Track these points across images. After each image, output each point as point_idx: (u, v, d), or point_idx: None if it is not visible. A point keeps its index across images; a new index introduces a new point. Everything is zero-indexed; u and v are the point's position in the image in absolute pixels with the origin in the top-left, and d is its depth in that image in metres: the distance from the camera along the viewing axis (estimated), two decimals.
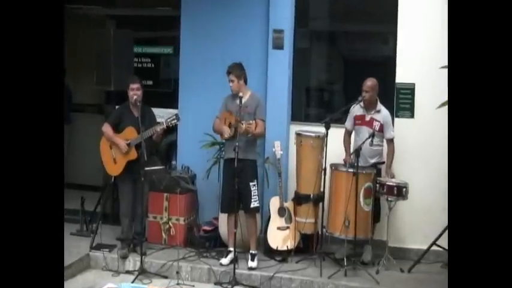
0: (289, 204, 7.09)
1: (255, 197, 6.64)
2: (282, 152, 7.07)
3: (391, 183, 6.56)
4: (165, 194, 7.24)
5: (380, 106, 6.84)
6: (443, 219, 6.20)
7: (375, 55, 7.93)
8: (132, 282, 6.29)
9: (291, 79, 7.51)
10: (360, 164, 6.45)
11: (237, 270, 6.35)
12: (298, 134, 7.09)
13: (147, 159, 6.47)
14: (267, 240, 7.00)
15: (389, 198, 6.57)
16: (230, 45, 7.52)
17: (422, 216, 7.03)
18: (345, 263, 6.44)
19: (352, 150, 6.80)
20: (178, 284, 6.31)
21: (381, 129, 6.77)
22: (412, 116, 7.19)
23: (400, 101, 7.21)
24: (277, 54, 7.39)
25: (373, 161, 6.82)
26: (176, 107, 7.73)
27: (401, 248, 7.07)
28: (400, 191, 6.51)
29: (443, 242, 6.45)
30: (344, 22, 8.02)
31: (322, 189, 6.80)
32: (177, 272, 6.40)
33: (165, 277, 6.53)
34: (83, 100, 10.47)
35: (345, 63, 8.18)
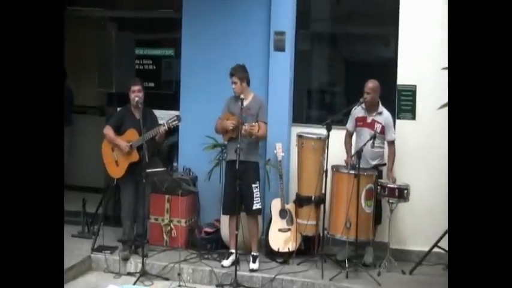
0: (290, 206, 7.09)
1: (257, 199, 6.64)
2: (283, 154, 7.08)
3: (392, 185, 6.56)
4: (167, 196, 7.24)
5: (381, 108, 6.84)
6: (444, 221, 6.11)
7: (376, 57, 7.94)
8: (134, 284, 6.29)
9: (292, 81, 7.51)
10: (361, 166, 6.45)
11: (238, 272, 6.35)
12: (299, 136, 7.09)
13: (148, 161, 6.47)
14: (268, 242, 7.00)
15: (390, 200, 6.57)
16: (231, 47, 7.53)
17: (423, 218, 7.02)
18: (347, 265, 6.44)
19: (353, 152, 6.81)
20: (179, 286, 6.30)
21: (382, 131, 6.77)
22: (413, 117, 7.19)
23: (402, 102, 7.21)
24: (279, 56, 7.39)
25: (374, 162, 6.82)
26: (177, 109, 7.74)
27: (402, 249, 7.07)
28: (401, 193, 6.51)
29: (445, 244, 6.44)
30: (345, 24, 8.03)
31: (323, 191, 6.79)
32: (179, 274, 6.40)
33: (167, 279, 6.53)
34: (84, 102, 10.48)
35: (347, 65, 8.18)
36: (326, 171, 6.67)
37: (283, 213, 7.05)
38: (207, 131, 7.15)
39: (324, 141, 6.78)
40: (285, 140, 7.27)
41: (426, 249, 6.76)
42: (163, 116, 7.18)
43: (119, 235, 7.07)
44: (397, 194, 6.51)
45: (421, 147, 7.06)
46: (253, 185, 6.61)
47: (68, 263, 6.46)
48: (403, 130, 7.06)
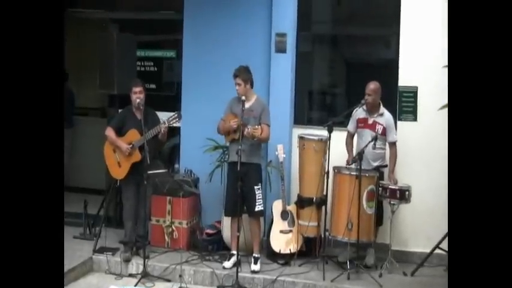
0: (292, 208, 7.09)
1: (259, 200, 6.64)
2: (284, 156, 7.08)
3: (393, 187, 6.56)
4: (168, 198, 7.24)
5: (383, 109, 6.84)
6: (446, 223, 6.11)
7: (378, 58, 7.94)
8: (135, 285, 6.30)
9: (294, 82, 7.51)
10: (362, 167, 6.44)
11: (239, 274, 6.35)
12: (301, 138, 7.09)
13: (150, 163, 6.48)
14: (269, 244, 7.00)
15: (392, 202, 6.57)
16: (233, 48, 7.53)
17: (425, 219, 7.02)
18: (348, 267, 6.43)
19: (354, 153, 6.80)
20: (181, 287, 6.30)
21: (384, 132, 6.77)
22: (415, 119, 7.19)
23: (403, 104, 7.21)
24: (280, 58, 7.39)
25: (375, 164, 6.82)
26: (179, 111, 7.72)
27: (404, 251, 7.07)
28: (403, 195, 6.51)
29: (447, 245, 6.42)
30: (346, 25, 8.03)
31: (325, 193, 6.80)
32: (180, 276, 6.39)
33: (168, 280, 6.53)
34: (86, 104, 10.50)
35: (348, 66, 8.19)
36: (327, 173, 6.68)
37: (284, 214, 7.05)
38: (208, 133, 7.16)
39: (325, 143, 6.78)
40: (286, 141, 7.28)
41: (428, 250, 6.75)
42: (165, 118, 7.18)
43: (121, 236, 7.08)
44: (398, 195, 6.51)
45: (422, 149, 7.05)
46: (256, 187, 6.61)
47: (69, 264, 6.47)
48: (405, 131, 7.06)
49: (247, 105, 6.59)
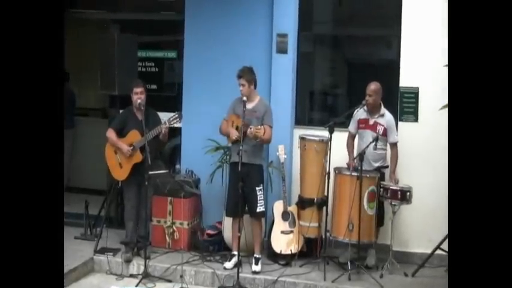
0: (293, 208, 7.09)
1: (261, 201, 6.63)
2: (285, 156, 7.08)
3: (395, 188, 6.56)
4: (169, 198, 7.24)
5: (384, 110, 6.84)
6: (447, 224, 6.18)
7: (379, 59, 7.93)
8: (136, 286, 6.31)
9: (295, 83, 7.51)
10: (363, 168, 6.44)
11: (240, 274, 6.35)
12: (302, 138, 7.09)
13: (151, 163, 6.48)
14: (270, 244, 7.00)
15: (393, 203, 6.57)
16: (234, 49, 7.53)
17: (426, 220, 7.02)
18: (349, 267, 6.44)
19: (355, 154, 6.80)
20: (182, 287, 6.30)
21: (385, 133, 6.77)
22: (416, 119, 7.18)
23: (404, 104, 7.21)
24: (281, 58, 7.39)
25: (376, 164, 6.81)
26: (180, 111, 7.72)
27: (405, 252, 7.06)
28: (404, 195, 6.51)
29: (447, 246, 6.43)
30: (348, 26, 8.03)
31: (326, 193, 6.81)
32: (181, 276, 6.39)
33: (169, 281, 6.52)
34: (86, 104, 10.51)
35: (349, 67, 8.19)
36: (328, 173, 6.68)
37: (285, 215, 7.04)
38: (209, 133, 7.16)
39: (326, 144, 6.77)
40: (287, 142, 7.27)
41: (429, 251, 6.75)
42: (166, 118, 7.18)
43: (122, 237, 7.08)
44: (399, 196, 6.51)
45: (423, 149, 7.05)
46: (257, 188, 6.61)
47: (70, 264, 6.48)
48: (406, 132, 7.06)
49: (250, 106, 6.59)
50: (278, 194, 7.14)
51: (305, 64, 7.72)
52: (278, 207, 7.06)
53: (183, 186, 7.11)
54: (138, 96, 6.78)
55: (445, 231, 6.41)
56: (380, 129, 6.78)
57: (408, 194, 6.52)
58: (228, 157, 7.09)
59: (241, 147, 6.30)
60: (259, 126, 6.40)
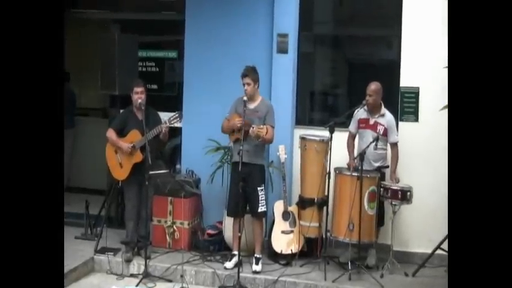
0: (293, 208, 7.09)
1: (262, 201, 6.63)
2: (286, 156, 7.08)
3: (395, 187, 6.56)
4: (170, 198, 7.24)
5: (384, 110, 6.84)
6: (447, 223, 6.19)
7: (380, 59, 7.93)
8: (137, 285, 6.31)
9: (295, 83, 7.52)
10: (364, 168, 6.44)
11: (241, 274, 6.35)
12: (302, 138, 7.09)
13: (151, 163, 6.48)
14: (271, 244, 7.00)
15: (393, 202, 6.57)
16: (234, 49, 7.53)
17: (426, 220, 7.02)
18: (349, 267, 6.44)
19: (356, 154, 6.80)
20: (182, 287, 6.30)
21: (385, 133, 6.77)
22: (416, 119, 7.19)
23: (405, 104, 7.21)
24: (282, 58, 7.39)
25: (377, 164, 6.81)
26: (180, 111, 7.73)
27: (405, 252, 7.07)
28: (404, 195, 6.51)
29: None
30: (348, 26, 8.03)
31: (326, 193, 6.81)
32: (182, 276, 6.39)
33: (170, 281, 6.52)
34: (87, 104, 10.52)
35: (349, 67, 8.19)
36: (329, 173, 6.68)
37: (286, 215, 7.05)
38: (210, 133, 7.16)
39: (326, 143, 6.77)
40: (287, 142, 7.27)
41: (429, 251, 6.75)
42: (166, 118, 7.18)
43: (122, 237, 7.08)
44: (400, 196, 6.52)
45: (424, 149, 7.05)
46: (259, 188, 6.61)
47: (70, 264, 6.48)
48: (406, 132, 7.06)
49: (252, 105, 6.60)
50: (278, 193, 7.14)
51: (305, 64, 7.73)
52: (278, 207, 7.06)
53: (184, 186, 7.11)
54: (139, 96, 6.78)
55: (446, 231, 6.41)
56: (380, 129, 6.78)
57: (408, 193, 6.52)
58: (228, 157, 7.09)
59: (241, 147, 6.30)
60: (261, 126, 6.40)
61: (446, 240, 6.47)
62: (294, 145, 7.35)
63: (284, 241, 6.98)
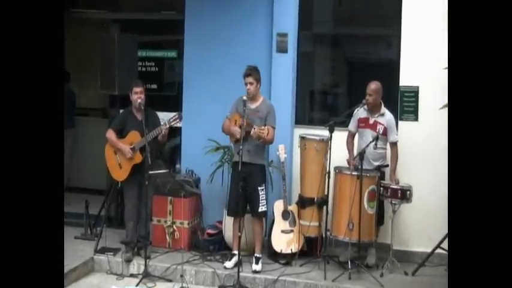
0: (293, 208, 7.09)
1: (263, 201, 6.63)
2: (286, 155, 7.08)
3: (395, 187, 6.57)
4: (169, 198, 7.24)
5: (384, 109, 6.84)
6: (447, 223, 6.18)
7: (379, 58, 7.94)
8: (137, 285, 6.31)
9: (295, 82, 7.52)
10: (363, 167, 6.44)
11: (241, 274, 6.35)
12: (302, 138, 7.09)
13: (151, 163, 6.48)
14: (271, 244, 7.01)
15: (393, 202, 6.57)
16: (234, 48, 7.53)
17: (426, 219, 7.02)
18: (349, 266, 6.44)
19: (355, 153, 6.80)
20: (182, 287, 6.30)
21: (385, 132, 6.77)
22: (416, 119, 7.19)
23: (404, 103, 7.22)
24: (281, 58, 7.39)
25: (376, 164, 6.81)
26: (180, 111, 7.73)
27: (405, 251, 7.07)
28: (404, 194, 6.51)
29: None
30: (348, 25, 8.03)
31: (326, 193, 6.81)
32: (181, 276, 6.39)
33: (170, 280, 6.53)
34: (87, 104, 10.51)
35: (349, 66, 8.18)
36: (329, 173, 6.68)
37: (285, 214, 7.05)
38: (209, 133, 7.16)
39: (326, 143, 6.77)
40: (287, 141, 7.27)
41: (429, 250, 6.75)
42: (166, 118, 7.18)
43: (122, 237, 7.08)
44: (399, 195, 6.52)
45: (423, 148, 7.05)
46: (259, 188, 6.61)
47: (70, 264, 6.48)
48: (406, 131, 7.06)
49: (253, 105, 6.60)
50: (278, 193, 7.14)
51: (305, 63, 7.73)
52: (278, 206, 7.07)
53: (184, 185, 7.10)
54: (138, 96, 6.78)
55: (445, 230, 6.40)
56: (380, 128, 6.78)
57: (408, 193, 6.52)
58: (228, 157, 7.09)
59: (241, 147, 6.30)
60: (262, 127, 6.39)
61: (446, 239, 6.47)
62: (293, 144, 7.36)
63: (284, 240, 6.98)
